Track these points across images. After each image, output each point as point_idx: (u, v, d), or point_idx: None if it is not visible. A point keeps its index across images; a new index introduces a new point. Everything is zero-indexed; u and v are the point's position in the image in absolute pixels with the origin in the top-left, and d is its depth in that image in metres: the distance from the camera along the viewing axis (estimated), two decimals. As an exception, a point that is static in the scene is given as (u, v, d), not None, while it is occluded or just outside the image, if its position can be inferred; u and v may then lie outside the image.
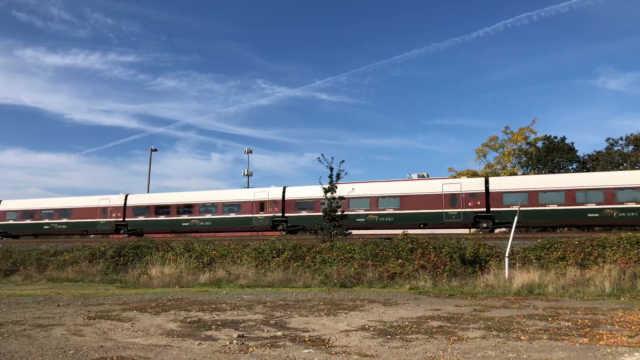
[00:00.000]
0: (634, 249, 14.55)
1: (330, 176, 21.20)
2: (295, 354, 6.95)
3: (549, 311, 10.39)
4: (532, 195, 25.65)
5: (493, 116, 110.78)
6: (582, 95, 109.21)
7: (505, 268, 14.74)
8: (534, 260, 15.23)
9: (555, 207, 25.23)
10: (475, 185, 27.36)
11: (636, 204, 23.87)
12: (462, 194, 27.26)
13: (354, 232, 23.90)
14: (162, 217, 33.78)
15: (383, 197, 28.26)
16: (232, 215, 32.04)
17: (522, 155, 47.36)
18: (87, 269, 19.65)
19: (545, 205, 25.48)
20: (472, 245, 16.24)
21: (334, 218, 20.63)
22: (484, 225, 26.69)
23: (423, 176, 30.65)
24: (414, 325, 8.97)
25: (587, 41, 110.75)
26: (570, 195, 25.04)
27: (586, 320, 9.18)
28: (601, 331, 8.18)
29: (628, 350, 6.87)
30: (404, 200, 28.02)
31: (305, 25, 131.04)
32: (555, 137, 47.85)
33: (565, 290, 13.35)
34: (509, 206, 25.83)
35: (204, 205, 32.93)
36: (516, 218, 16.66)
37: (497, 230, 27.48)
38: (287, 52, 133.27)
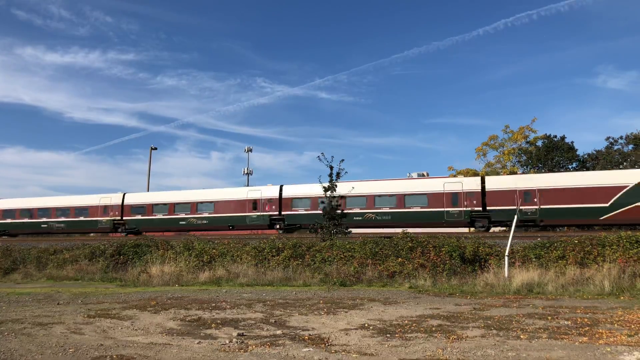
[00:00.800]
0: (633, 248, 14.54)
1: (330, 175, 21.25)
2: (295, 353, 6.95)
3: (548, 310, 10.39)
4: (314, 201, 30.07)
5: (493, 115, 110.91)
6: (582, 94, 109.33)
7: (505, 267, 14.74)
8: (534, 259, 15.23)
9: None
10: (272, 192, 31.68)
11: (389, 209, 28.46)
12: (262, 199, 31.78)
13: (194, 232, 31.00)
14: (26, 220, 37.98)
15: (201, 202, 32.94)
16: (82, 218, 36.32)
17: (522, 154, 47.38)
18: (86, 267, 19.64)
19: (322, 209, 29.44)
20: (471, 244, 16.24)
21: (333, 217, 20.64)
22: (277, 226, 31.17)
23: (423, 175, 30.75)
24: (414, 324, 8.97)
25: (587, 40, 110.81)
26: (342, 201, 28.52)
27: (586, 319, 9.18)
28: (601, 330, 8.17)
29: (627, 349, 6.87)
30: (217, 205, 32.53)
31: (305, 23, 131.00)
32: (555, 136, 47.88)
33: (564, 289, 13.36)
34: (296, 210, 30.66)
35: (59, 209, 37.00)
36: (515, 217, 16.67)
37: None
38: (287, 50, 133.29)
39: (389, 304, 11.56)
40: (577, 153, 47.13)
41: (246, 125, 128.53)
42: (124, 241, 21.22)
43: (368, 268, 16.24)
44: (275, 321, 9.50)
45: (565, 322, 8.92)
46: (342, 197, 27.85)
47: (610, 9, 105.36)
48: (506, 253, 14.91)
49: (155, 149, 54.96)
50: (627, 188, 24.63)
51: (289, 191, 31.47)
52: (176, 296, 13.43)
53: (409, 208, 28.12)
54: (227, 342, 7.72)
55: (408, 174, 31.96)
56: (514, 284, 13.72)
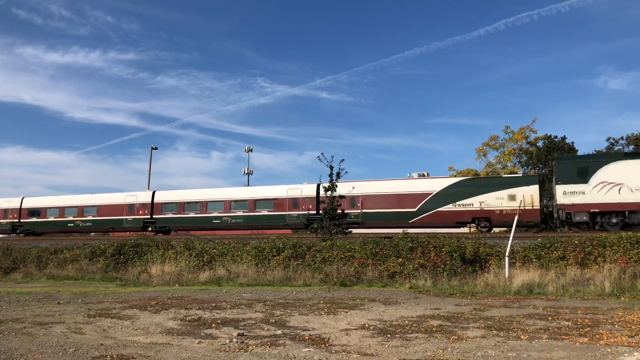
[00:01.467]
0: (634, 249, 14.52)
1: (331, 175, 21.25)
2: (295, 353, 6.94)
3: (549, 310, 10.38)
4: (180, 206, 33.51)
5: (493, 115, 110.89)
6: (582, 94, 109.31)
7: (505, 267, 14.73)
8: (534, 260, 15.21)
9: (193, 215, 33.12)
10: (146, 197, 35.03)
11: (243, 212, 31.79)
12: (137, 204, 34.90)
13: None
14: None
15: (87, 206, 36.34)
16: None
17: (523, 155, 47.32)
18: (87, 267, 19.65)
19: (188, 213, 33.36)
20: (472, 244, 16.22)
21: (334, 217, 20.63)
22: (150, 229, 34.21)
23: (423, 175, 30.68)
24: (414, 325, 8.96)
25: (587, 40, 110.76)
26: (203, 206, 32.73)
27: (586, 320, 9.17)
28: (601, 331, 8.17)
29: (628, 349, 6.87)
30: (99, 209, 35.86)
31: (305, 23, 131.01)
32: (556, 137, 47.80)
33: (565, 289, 13.34)
34: (165, 214, 33.86)
35: None
36: (516, 218, 16.67)
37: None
38: (288, 50, 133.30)
39: (390, 304, 11.55)
40: (578, 154, 47.08)
41: (247, 125, 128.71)
42: (125, 241, 21.23)
43: (368, 268, 16.23)
44: (275, 321, 9.50)
45: (566, 323, 8.92)
46: (206, 202, 32.91)
47: (611, 9, 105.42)
48: (507, 253, 14.89)
49: (156, 148, 54.99)
50: (431, 195, 27.97)
51: (161, 197, 34.64)
52: (176, 296, 13.43)
53: (258, 212, 31.53)
54: (228, 342, 7.71)
55: (409, 174, 31.96)
56: (515, 285, 13.70)
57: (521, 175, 28.23)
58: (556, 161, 26.52)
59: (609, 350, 6.84)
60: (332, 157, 21.28)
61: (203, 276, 17.05)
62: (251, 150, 57.86)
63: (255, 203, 31.74)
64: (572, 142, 47.20)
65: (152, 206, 34.23)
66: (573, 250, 15.06)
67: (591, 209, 23.84)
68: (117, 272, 18.79)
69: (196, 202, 33.09)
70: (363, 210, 29.06)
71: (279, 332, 8.48)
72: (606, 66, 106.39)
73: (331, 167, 21.22)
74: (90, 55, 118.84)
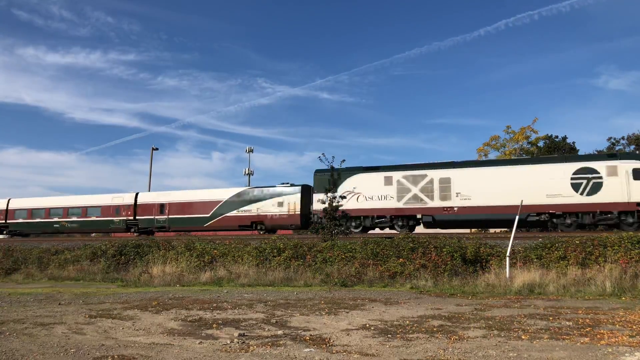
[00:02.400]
0: (635, 249, 14.52)
1: (332, 175, 21.26)
2: (296, 353, 6.95)
3: (549, 310, 10.37)
4: (29, 212, 38.25)
5: (494, 115, 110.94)
6: (583, 94, 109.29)
7: (506, 267, 14.73)
8: (535, 260, 15.21)
9: (39, 220, 37.69)
10: (1, 205, 39.31)
11: (77, 218, 36.49)
12: None
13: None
14: None
15: None
16: None
17: (524, 155, 47.26)
18: (88, 267, 19.67)
19: (35, 219, 37.86)
20: (473, 244, 16.22)
21: (334, 217, 20.64)
22: (4, 232, 38.78)
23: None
24: (415, 325, 8.96)
25: (588, 40, 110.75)
26: (47, 212, 37.60)
27: (587, 320, 9.16)
28: (602, 331, 8.16)
29: (629, 349, 6.86)
30: None
31: (306, 24, 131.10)
32: (557, 137, 47.81)
33: (566, 289, 13.34)
34: (18, 219, 38.59)
35: None
36: (517, 219, 16.67)
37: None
38: (288, 51, 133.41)
39: (390, 305, 11.55)
40: (579, 154, 47.02)
41: (247, 126, 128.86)
42: (126, 241, 21.24)
43: (369, 268, 16.23)
44: (276, 321, 9.50)
45: (567, 323, 8.91)
46: (48, 208, 37.43)
47: (611, 9, 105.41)
48: (507, 254, 14.89)
49: (157, 149, 54.99)
50: (221, 203, 32.41)
51: (14, 204, 39.20)
52: (177, 296, 13.43)
53: (89, 217, 36.25)
54: (229, 342, 7.72)
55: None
56: (515, 285, 13.70)
57: (289, 185, 31.70)
58: (314, 173, 28.67)
59: (609, 350, 6.84)
60: (333, 157, 21.37)
61: (204, 277, 17.06)
62: (252, 151, 57.87)
63: (87, 210, 36.44)
64: (573, 142, 47.30)
65: (7, 212, 38.95)
66: (574, 250, 15.06)
67: None
68: (118, 273, 18.81)
69: (41, 209, 37.72)
70: (170, 216, 33.59)
71: (279, 332, 8.49)
72: (607, 66, 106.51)
73: (332, 168, 21.23)
74: (90, 56, 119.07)
